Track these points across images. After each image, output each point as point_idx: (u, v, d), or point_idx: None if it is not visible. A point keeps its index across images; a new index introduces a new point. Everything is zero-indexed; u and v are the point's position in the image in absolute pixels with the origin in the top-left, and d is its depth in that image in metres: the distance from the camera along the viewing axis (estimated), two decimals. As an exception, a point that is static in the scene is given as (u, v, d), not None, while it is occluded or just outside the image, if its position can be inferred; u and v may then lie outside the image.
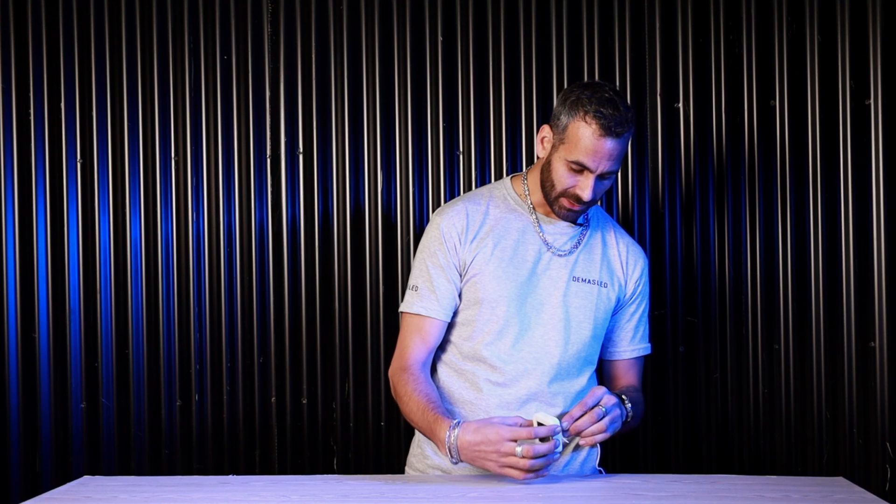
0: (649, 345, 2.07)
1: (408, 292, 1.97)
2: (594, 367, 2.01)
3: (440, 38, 2.49)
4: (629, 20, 2.48)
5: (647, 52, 2.48)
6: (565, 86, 2.48)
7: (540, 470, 1.66)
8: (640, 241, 2.48)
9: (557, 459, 1.71)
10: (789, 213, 2.42)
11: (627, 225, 2.48)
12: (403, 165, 2.50)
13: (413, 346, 1.93)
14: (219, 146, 2.51)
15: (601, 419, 1.74)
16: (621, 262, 2.00)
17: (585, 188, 1.84)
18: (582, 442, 1.75)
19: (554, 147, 1.87)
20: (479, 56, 2.49)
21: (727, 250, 2.46)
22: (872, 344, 2.30)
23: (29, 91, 2.48)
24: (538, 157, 1.94)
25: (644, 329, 2.05)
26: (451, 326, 1.97)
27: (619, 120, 1.79)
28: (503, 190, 2.00)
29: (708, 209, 2.47)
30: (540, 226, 1.95)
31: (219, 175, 2.51)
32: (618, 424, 1.78)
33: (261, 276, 2.51)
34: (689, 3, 2.46)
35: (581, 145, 1.81)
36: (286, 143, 2.51)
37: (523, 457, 1.64)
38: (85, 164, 2.51)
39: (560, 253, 1.94)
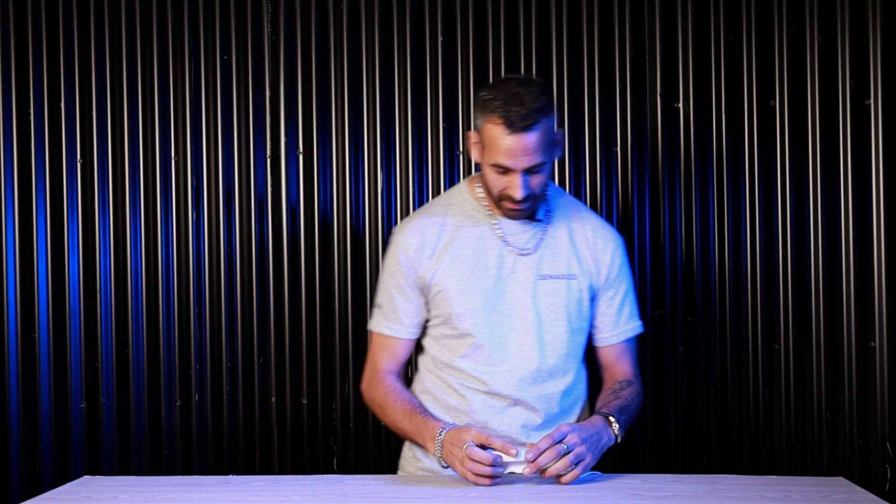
0: (640, 323, 2.03)
1: (374, 310, 1.99)
2: (579, 360, 1.98)
3: (440, 38, 2.49)
4: (629, 20, 2.48)
5: (647, 52, 2.48)
6: (566, 86, 2.48)
7: (480, 477, 1.67)
8: (640, 242, 2.48)
9: (502, 475, 1.70)
10: (789, 213, 2.42)
11: (627, 225, 2.48)
12: (403, 165, 2.50)
13: (383, 360, 1.96)
14: (219, 146, 2.51)
15: (563, 455, 1.67)
16: (589, 249, 1.95)
17: (515, 187, 1.81)
18: (562, 481, 1.70)
19: (481, 152, 1.85)
20: (479, 56, 2.49)
21: (727, 250, 2.46)
22: (872, 344, 2.30)
23: (29, 91, 2.48)
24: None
25: (630, 309, 2.01)
26: (428, 337, 1.97)
27: (524, 114, 1.74)
28: (460, 195, 1.97)
29: (708, 209, 2.47)
30: (500, 227, 1.92)
31: (219, 175, 2.51)
32: (591, 461, 1.73)
33: (261, 276, 2.51)
34: (689, 3, 2.46)
35: (495, 147, 1.78)
36: (286, 143, 2.51)
37: (465, 454, 1.67)
38: (85, 164, 2.50)
39: (524, 252, 1.91)
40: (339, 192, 2.51)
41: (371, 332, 2.00)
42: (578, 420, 1.99)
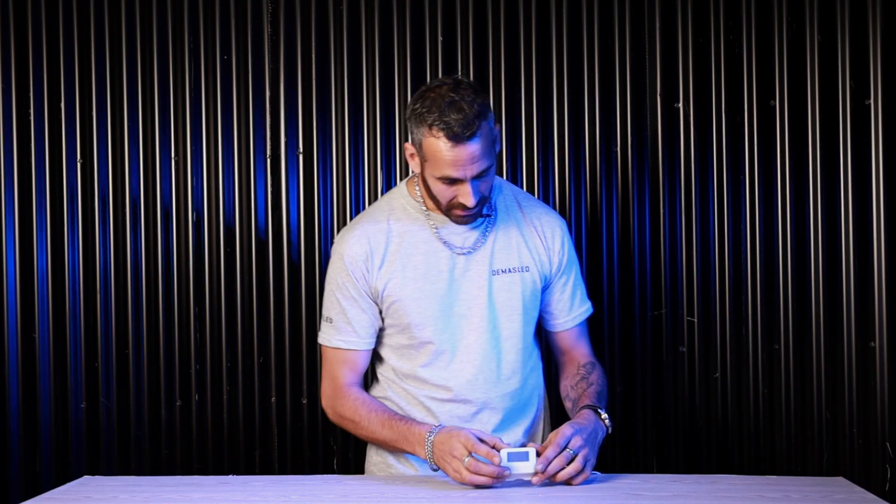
0: (589, 304, 2.02)
1: (323, 324, 1.92)
2: (536, 350, 1.98)
3: (440, 38, 2.49)
4: (629, 20, 2.48)
5: (647, 52, 2.48)
6: (566, 86, 2.48)
7: (482, 484, 1.66)
8: (640, 242, 2.48)
9: (505, 479, 1.68)
10: (789, 213, 2.42)
11: (627, 224, 2.48)
12: (403, 165, 2.50)
13: (343, 375, 1.90)
14: (219, 146, 2.51)
15: (571, 460, 1.67)
16: (539, 238, 1.92)
17: (466, 195, 1.75)
18: (574, 483, 1.69)
19: (422, 164, 1.78)
20: (479, 56, 2.49)
21: (727, 250, 2.46)
22: (872, 344, 2.30)
23: (29, 91, 2.48)
24: (413, 171, 1.88)
25: (580, 293, 1.99)
26: (385, 347, 1.93)
27: (465, 122, 1.68)
28: (401, 199, 1.90)
29: (708, 209, 2.47)
30: (438, 231, 1.87)
31: (219, 175, 2.51)
32: (594, 459, 1.72)
33: (261, 276, 2.51)
34: (689, 3, 2.46)
35: (440, 160, 1.71)
36: (286, 143, 2.51)
37: (466, 468, 1.65)
38: (85, 164, 2.51)
39: (472, 251, 1.87)
40: (339, 192, 2.51)
41: (322, 347, 1.93)
42: (537, 410, 1.98)
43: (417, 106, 1.74)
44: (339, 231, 2.50)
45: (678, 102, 2.47)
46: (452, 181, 1.75)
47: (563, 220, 1.98)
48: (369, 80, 2.50)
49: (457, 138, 1.69)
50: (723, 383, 2.47)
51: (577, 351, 2.00)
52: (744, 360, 2.46)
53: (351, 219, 2.50)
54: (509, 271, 1.88)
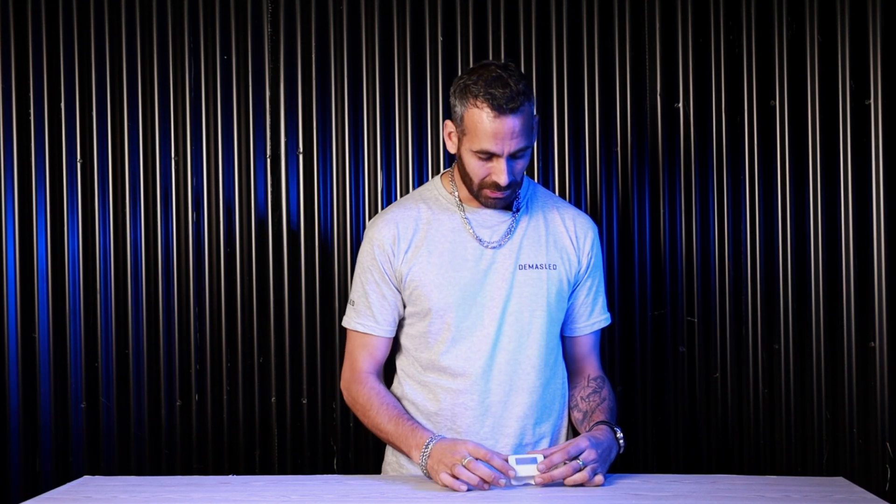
0: (608, 314, 2.02)
1: (348, 306, 1.97)
2: (559, 354, 1.96)
3: (440, 38, 2.49)
4: (629, 20, 2.48)
5: (647, 52, 2.48)
6: (566, 86, 2.48)
7: (477, 485, 1.66)
8: (640, 242, 2.48)
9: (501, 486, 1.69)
10: (789, 213, 2.42)
11: (627, 225, 2.48)
12: (403, 165, 2.50)
13: (361, 359, 1.93)
14: (219, 146, 2.51)
15: (578, 471, 1.68)
16: (570, 237, 1.94)
17: (500, 173, 1.78)
18: (566, 482, 1.70)
19: (460, 140, 1.83)
20: (479, 56, 2.49)
21: (727, 250, 2.46)
22: (872, 344, 2.30)
23: (29, 91, 2.48)
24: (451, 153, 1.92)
25: (602, 300, 2.00)
26: (406, 336, 1.94)
27: (510, 96, 1.73)
28: (434, 190, 1.95)
29: (708, 209, 2.47)
30: (469, 223, 1.90)
31: (219, 175, 2.51)
32: (604, 468, 1.73)
33: (261, 275, 2.51)
34: (689, 3, 2.46)
35: (480, 132, 1.76)
36: (286, 143, 2.51)
37: (465, 467, 1.66)
38: (85, 164, 2.51)
39: (499, 245, 1.89)
40: (339, 192, 2.51)
41: (347, 330, 1.97)
42: (560, 418, 1.96)
43: (465, 78, 1.79)
44: (338, 230, 2.51)
45: (678, 102, 2.47)
46: (489, 157, 1.78)
47: (595, 225, 2.00)
48: (369, 80, 2.50)
49: (500, 110, 1.73)
50: (723, 383, 2.47)
51: (589, 363, 1.99)
52: (744, 360, 2.46)
53: (350, 218, 2.50)
54: (536, 267, 1.89)
